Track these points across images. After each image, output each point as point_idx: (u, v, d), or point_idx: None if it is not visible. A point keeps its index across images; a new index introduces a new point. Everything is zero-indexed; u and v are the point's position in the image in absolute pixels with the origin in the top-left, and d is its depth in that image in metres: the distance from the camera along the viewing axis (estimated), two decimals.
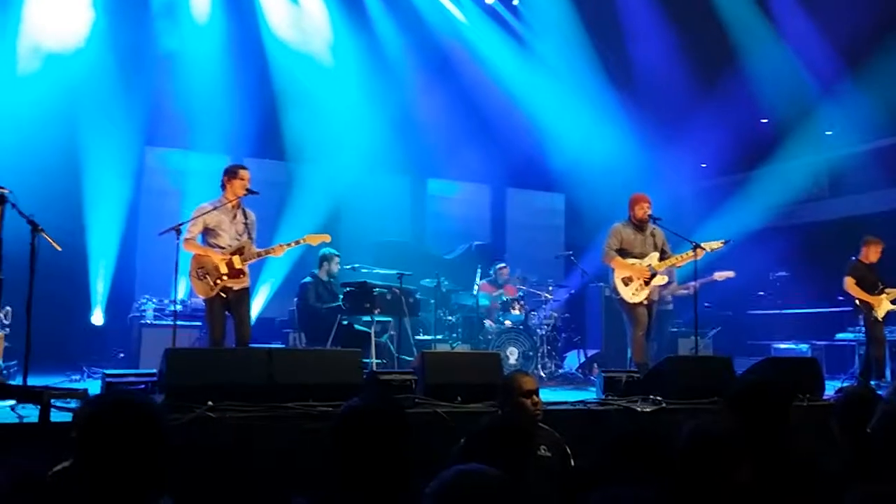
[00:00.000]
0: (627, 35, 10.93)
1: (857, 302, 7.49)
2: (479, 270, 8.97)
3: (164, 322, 7.72)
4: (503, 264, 9.22)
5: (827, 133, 11.46)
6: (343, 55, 10.40)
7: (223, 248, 5.77)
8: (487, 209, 12.32)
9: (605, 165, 10.59)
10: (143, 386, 4.54)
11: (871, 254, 7.53)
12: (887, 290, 7.44)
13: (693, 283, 8.01)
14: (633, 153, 10.92)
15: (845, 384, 6.79)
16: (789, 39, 10.20)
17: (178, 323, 6.16)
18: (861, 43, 9.57)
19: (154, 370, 4.75)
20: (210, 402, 4.20)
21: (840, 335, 9.38)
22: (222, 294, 5.70)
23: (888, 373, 7.76)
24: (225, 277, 5.68)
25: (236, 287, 5.73)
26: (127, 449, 1.83)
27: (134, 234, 9.15)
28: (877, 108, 10.09)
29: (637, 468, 2.19)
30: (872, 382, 6.90)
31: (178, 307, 6.93)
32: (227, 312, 5.79)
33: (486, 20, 11.31)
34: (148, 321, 7.91)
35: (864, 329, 7.65)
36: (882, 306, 7.38)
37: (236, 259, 5.73)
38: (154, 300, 8.18)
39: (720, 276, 8.09)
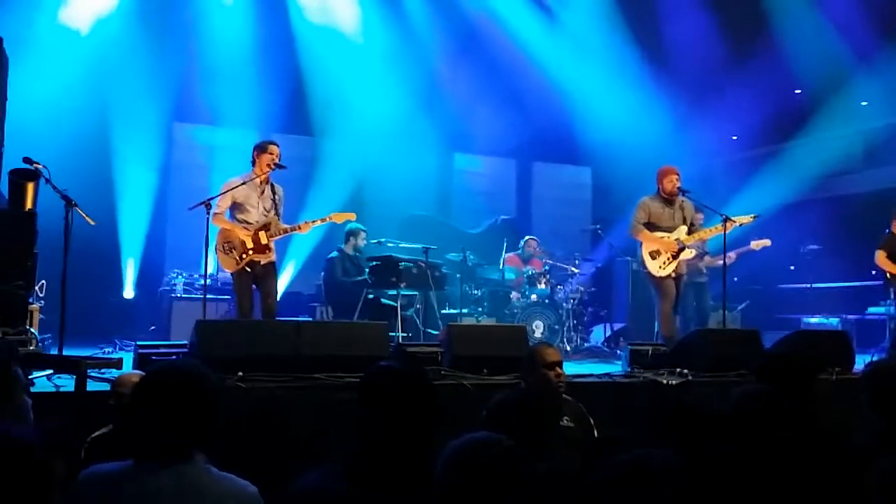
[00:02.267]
0: (657, 5, 10.72)
1: (888, 275, 7.36)
2: (504, 244, 8.96)
3: (194, 295, 7.85)
4: (533, 237, 9.20)
5: (862, 104, 11.19)
6: (369, 29, 10.36)
7: (251, 223, 5.83)
8: (513, 183, 12.27)
9: (633, 138, 10.46)
10: (175, 357, 4.63)
11: None
12: None
13: (731, 254, 7.93)
14: (663, 126, 10.76)
15: (875, 358, 6.70)
16: (824, 7, 9.93)
17: (208, 296, 6.24)
18: None
19: (185, 342, 4.85)
20: (240, 373, 4.29)
21: (872, 309, 9.25)
22: (248, 268, 5.77)
23: None
24: (251, 252, 5.75)
25: (263, 261, 5.80)
26: (179, 411, 1.92)
27: (164, 210, 9.28)
28: None
29: (669, 438, 2.19)
30: None
31: (208, 281, 7.02)
32: (254, 286, 5.86)
33: None
34: (178, 294, 8.05)
35: (895, 303, 7.52)
36: None
37: (262, 234, 5.79)
38: (184, 274, 8.31)
39: (756, 244, 7.95)
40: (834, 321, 9.37)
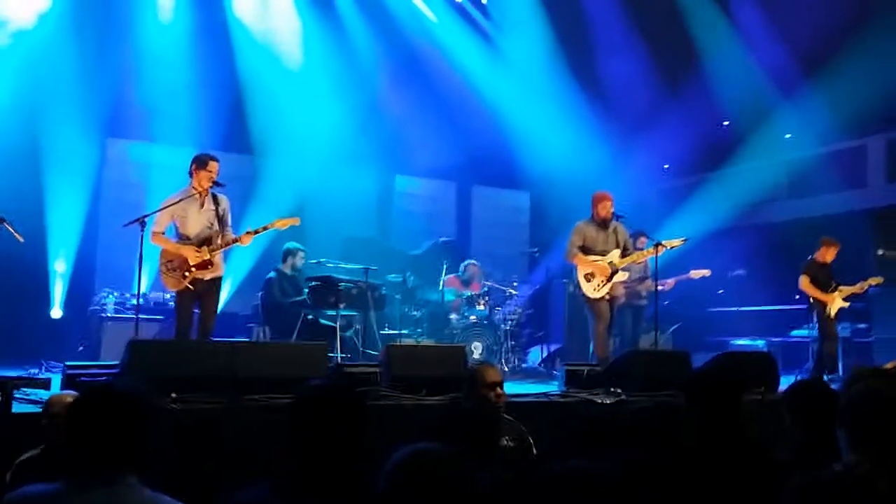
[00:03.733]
0: (593, 37, 11.10)
1: (812, 300, 7.70)
2: (444, 266, 9.02)
3: (126, 315, 7.63)
4: (473, 261, 9.30)
5: (786, 136, 11.76)
6: (311, 49, 10.36)
7: (191, 237, 5.71)
8: (453, 205, 12.38)
9: (570, 165, 10.71)
10: (105, 378, 4.50)
11: (828, 255, 7.72)
12: (840, 288, 7.66)
13: (671, 280, 8.19)
14: (598, 153, 11.07)
15: (799, 378, 6.98)
16: (750, 43, 10.45)
17: (140, 316, 6.09)
18: (819, 48, 9.84)
19: (116, 362, 4.72)
20: (174, 395, 4.19)
21: (795, 332, 9.64)
22: (190, 286, 5.64)
23: (840, 367, 7.99)
24: (194, 269, 5.63)
25: (207, 277, 5.68)
26: (113, 431, 1.90)
27: (95, 227, 9.01)
28: (834, 112, 10.39)
29: (595, 449, 2.26)
30: (826, 377, 7.10)
31: (141, 301, 6.85)
32: (197, 304, 5.74)
33: (456, 18, 11.36)
34: (109, 314, 7.81)
35: (817, 326, 7.85)
36: (835, 304, 7.60)
37: (204, 249, 5.67)
38: (115, 293, 8.07)
39: (696, 273, 8.27)
40: (760, 343, 9.74)
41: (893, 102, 10.03)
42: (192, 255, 5.61)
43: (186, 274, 5.61)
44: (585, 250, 6.88)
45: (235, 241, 5.76)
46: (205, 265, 5.65)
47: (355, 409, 2.08)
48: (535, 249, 10.00)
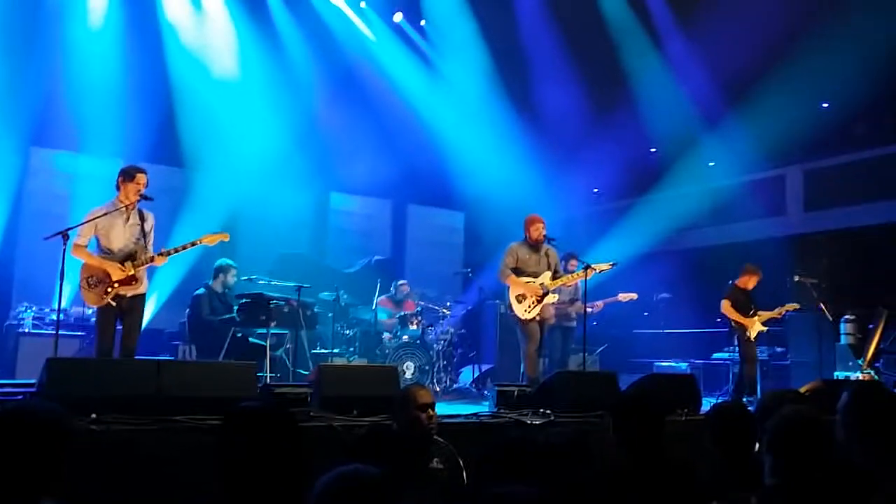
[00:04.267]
0: (529, 63, 11.37)
1: (733, 323, 7.97)
2: (378, 285, 9.00)
3: (45, 331, 7.34)
4: (404, 281, 9.31)
5: (710, 164, 12.23)
6: (247, 62, 10.27)
7: (114, 252, 5.54)
8: (388, 224, 12.39)
9: (504, 187, 10.89)
10: (20, 397, 4.32)
11: (750, 282, 8.02)
12: (759, 313, 7.97)
13: (599, 302, 8.37)
14: (531, 175, 11.29)
15: (720, 400, 7.22)
16: (678, 74, 10.87)
17: (61, 332, 5.85)
18: (742, 79, 10.32)
19: (33, 381, 4.53)
20: (94, 415, 4.05)
21: (717, 354, 9.96)
22: (113, 302, 5.47)
23: (759, 389, 8.31)
24: (117, 285, 5.46)
25: (130, 293, 5.51)
26: (27, 454, 1.84)
27: (13, 239, 8.65)
28: (755, 142, 10.88)
29: (515, 471, 2.29)
30: (745, 399, 7.36)
31: (61, 316, 6.60)
32: (119, 320, 5.57)
33: (393, 38, 11.45)
34: (26, 330, 7.49)
35: (738, 349, 8.13)
36: (754, 328, 7.89)
37: (128, 264, 5.51)
38: (34, 308, 7.76)
39: (624, 297, 8.48)
40: (683, 365, 10.03)
41: (810, 134, 10.55)
42: (116, 271, 5.44)
43: (109, 290, 5.43)
44: (518, 272, 6.98)
45: (151, 259, 5.57)
46: (129, 281, 5.49)
47: (288, 431, 2.06)
48: (469, 270, 10.11)
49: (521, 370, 7.03)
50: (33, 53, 8.69)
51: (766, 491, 2.45)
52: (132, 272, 5.49)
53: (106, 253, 5.54)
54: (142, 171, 5.69)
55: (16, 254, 8.70)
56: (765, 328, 8.01)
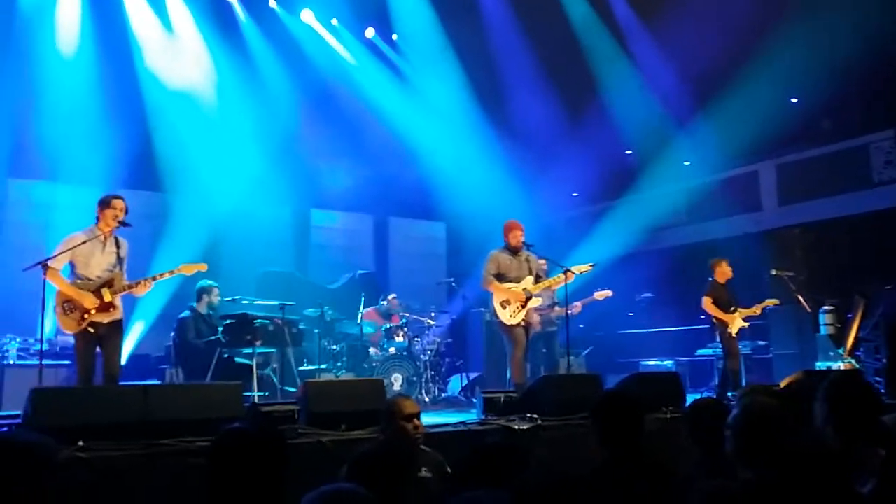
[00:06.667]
0: (501, 72, 11.49)
1: (714, 320, 8.07)
2: (363, 298, 9.04)
3: (29, 361, 7.32)
4: (394, 295, 9.35)
5: (685, 164, 12.38)
6: (222, 86, 10.30)
7: (91, 279, 5.55)
8: (370, 238, 12.44)
9: (484, 195, 10.98)
10: (5, 429, 4.32)
11: (721, 274, 8.13)
12: (740, 310, 8.07)
13: (577, 304, 8.44)
14: (510, 183, 11.39)
15: (702, 396, 7.31)
16: (648, 77, 11.03)
17: (45, 362, 5.85)
18: (711, 76, 10.47)
19: (18, 412, 4.53)
20: (80, 443, 4.06)
21: (700, 351, 10.07)
22: (90, 329, 5.46)
23: (743, 383, 8.40)
24: (93, 311, 5.46)
25: (106, 321, 5.50)
26: (13, 486, 1.86)
27: None
28: (727, 138, 11.02)
29: (490, 475, 2.34)
30: (730, 394, 7.45)
31: (45, 346, 6.58)
32: (98, 348, 5.57)
33: (367, 54, 11.55)
34: (11, 361, 7.46)
35: (720, 345, 8.23)
36: (735, 323, 7.99)
37: (105, 292, 5.49)
38: (18, 339, 7.73)
39: (600, 295, 8.54)
40: (669, 363, 10.12)
41: (781, 128, 10.71)
42: (89, 300, 5.44)
43: (85, 316, 5.43)
44: (500, 277, 7.04)
45: (130, 287, 5.60)
46: (106, 307, 5.49)
47: (278, 451, 2.09)
48: (452, 279, 10.16)
49: (508, 376, 7.08)
50: (4, 84, 8.68)
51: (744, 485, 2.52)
52: (109, 299, 5.50)
53: (83, 280, 5.54)
54: (118, 197, 5.70)
55: None
56: (746, 324, 8.11)
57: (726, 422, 3.06)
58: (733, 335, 8.01)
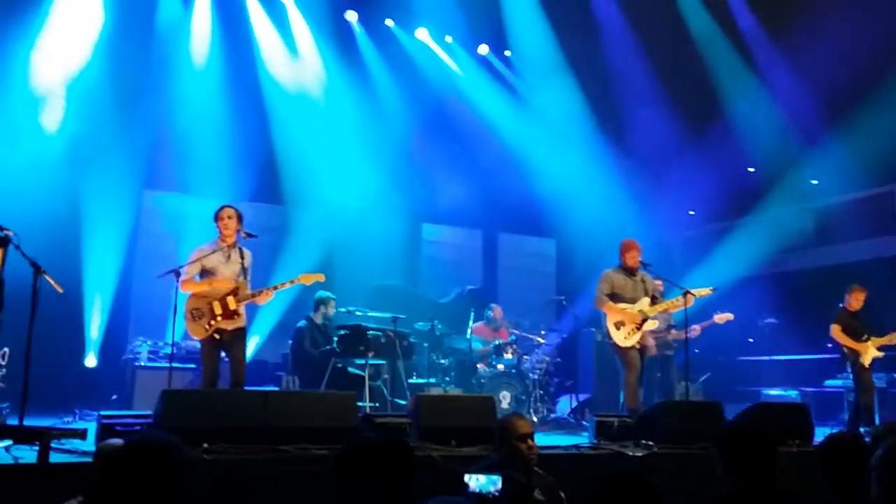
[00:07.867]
0: (618, 86, 11.26)
1: (845, 349, 7.59)
2: (472, 314, 9.04)
3: (159, 364, 7.73)
4: (496, 305, 9.32)
5: (812, 182, 11.72)
6: (340, 102, 10.62)
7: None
8: (480, 253, 12.44)
9: (596, 212, 10.77)
10: (138, 427, 4.56)
11: (855, 301, 7.65)
12: (872, 339, 7.54)
13: (696, 327, 8.13)
14: (623, 200, 11.13)
15: (834, 430, 6.85)
16: (774, 92, 10.53)
17: (173, 365, 6.17)
18: (844, 94, 9.88)
19: (149, 412, 4.78)
20: (205, 444, 4.23)
21: (829, 382, 9.45)
22: (216, 335, 5.72)
23: (877, 418, 7.82)
24: (219, 318, 5.71)
25: (230, 328, 5.75)
26: (149, 484, 1.93)
27: (129, 277, 9.18)
28: (860, 158, 10.36)
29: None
30: (862, 429, 6.96)
31: (174, 350, 6.95)
32: (222, 353, 5.82)
33: (480, 70, 11.63)
34: (142, 363, 7.91)
35: (852, 376, 7.72)
36: (868, 353, 7.48)
37: (231, 300, 5.74)
38: (148, 342, 8.19)
39: (720, 318, 8.19)
40: (793, 393, 9.55)
41: None
42: (217, 304, 5.67)
43: (211, 322, 5.69)
44: (614, 298, 6.87)
45: (254, 296, 5.82)
46: (230, 315, 5.73)
47: (406, 462, 2.11)
48: (563, 297, 10.00)
49: (621, 400, 6.88)
50: (143, 101, 9.25)
51: None
52: (234, 307, 5.73)
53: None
54: (225, 206, 5.95)
55: (131, 291, 9.22)
56: (881, 353, 7.57)
57: (868, 461, 2.84)
58: (866, 366, 7.52)
